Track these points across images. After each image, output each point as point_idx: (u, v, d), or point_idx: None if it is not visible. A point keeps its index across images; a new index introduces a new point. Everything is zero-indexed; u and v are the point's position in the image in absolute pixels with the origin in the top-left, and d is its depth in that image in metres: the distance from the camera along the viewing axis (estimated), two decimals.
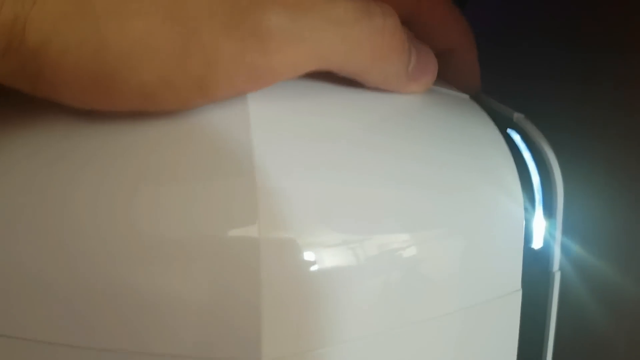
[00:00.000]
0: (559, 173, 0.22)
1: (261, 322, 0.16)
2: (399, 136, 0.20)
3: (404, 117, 0.21)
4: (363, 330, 0.18)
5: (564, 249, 0.22)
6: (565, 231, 0.22)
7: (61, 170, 0.17)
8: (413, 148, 0.19)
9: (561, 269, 0.22)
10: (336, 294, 0.17)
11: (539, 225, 0.22)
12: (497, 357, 0.21)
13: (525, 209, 0.20)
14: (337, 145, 0.18)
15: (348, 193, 0.18)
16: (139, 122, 0.17)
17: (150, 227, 0.16)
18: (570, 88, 0.26)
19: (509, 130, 0.23)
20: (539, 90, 0.28)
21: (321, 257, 0.17)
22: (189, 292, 0.16)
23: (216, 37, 0.16)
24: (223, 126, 0.17)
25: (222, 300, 0.16)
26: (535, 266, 0.22)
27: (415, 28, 0.22)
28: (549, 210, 0.22)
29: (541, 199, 0.22)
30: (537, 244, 0.22)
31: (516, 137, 0.23)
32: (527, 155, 0.22)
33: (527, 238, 0.21)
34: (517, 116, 0.23)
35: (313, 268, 0.17)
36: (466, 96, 0.24)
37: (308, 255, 0.17)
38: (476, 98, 0.24)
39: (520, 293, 0.20)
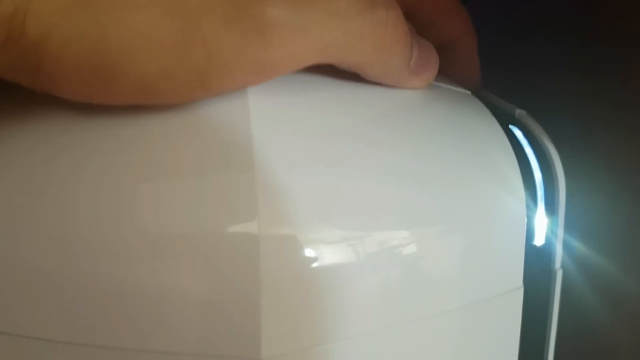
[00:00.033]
0: (561, 170, 0.22)
1: (261, 319, 0.16)
2: (400, 132, 0.20)
3: (405, 112, 0.21)
4: (363, 328, 0.18)
5: (566, 246, 0.22)
6: (568, 228, 0.22)
7: (60, 165, 0.17)
8: (414, 144, 0.19)
9: (563, 266, 0.22)
10: (336, 291, 0.17)
11: (541, 222, 0.22)
12: (499, 355, 0.21)
13: (527, 206, 0.20)
14: (337, 140, 0.18)
15: (349, 189, 0.18)
16: (137, 117, 0.17)
17: (148, 223, 0.16)
18: (572, 83, 0.27)
19: (510, 127, 0.23)
20: (540, 85, 0.28)
21: (321, 253, 0.17)
22: (188, 288, 0.16)
23: (217, 30, 0.16)
24: (223, 121, 0.17)
25: (221, 296, 0.16)
26: (537, 263, 0.22)
27: (417, 20, 0.22)
28: (550, 207, 0.22)
29: (543, 195, 0.22)
30: (539, 241, 0.22)
31: (518, 134, 0.23)
32: (529, 152, 0.22)
33: (529, 235, 0.21)
34: (519, 112, 0.23)
35: (313, 264, 0.17)
36: (468, 92, 0.24)
37: (308, 252, 0.17)
38: (477, 94, 0.24)
39: (522, 291, 0.20)
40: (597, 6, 0.26)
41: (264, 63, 0.17)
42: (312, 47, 0.17)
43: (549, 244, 0.22)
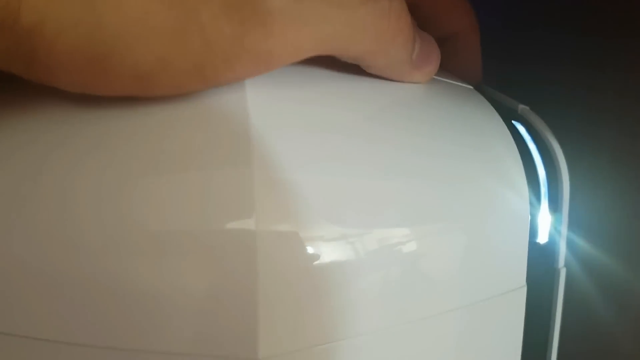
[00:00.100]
0: (565, 166, 0.22)
1: (258, 317, 0.16)
2: (402, 127, 0.19)
3: (406, 107, 0.20)
4: (364, 327, 0.17)
5: (570, 244, 0.22)
6: (571, 225, 0.22)
7: (55, 159, 0.17)
8: (416, 139, 0.19)
9: (567, 265, 0.22)
10: (335, 290, 0.17)
11: (545, 219, 0.22)
12: (502, 354, 0.21)
13: (531, 203, 0.20)
14: (337, 136, 0.18)
15: (348, 185, 0.17)
16: (133, 110, 0.17)
17: (143, 219, 0.16)
18: (576, 75, 0.27)
19: (513, 122, 0.23)
20: (543, 77, 0.28)
21: (320, 251, 0.16)
22: (183, 286, 0.16)
23: (215, 18, 0.16)
24: (220, 115, 0.17)
25: (218, 294, 0.16)
26: (540, 262, 0.21)
27: (419, 12, 0.22)
28: (554, 204, 0.22)
29: (547, 192, 0.22)
30: (542, 238, 0.22)
31: (521, 129, 0.23)
32: (532, 148, 0.22)
33: (532, 233, 0.21)
34: (522, 108, 0.23)
35: (311, 262, 0.16)
36: (470, 87, 0.24)
37: (306, 249, 0.16)
38: (479, 89, 0.24)
39: (525, 289, 0.20)
40: None
41: (263, 53, 0.17)
42: (313, 37, 0.17)
43: (552, 242, 0.22)
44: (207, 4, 0.16)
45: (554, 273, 0.22)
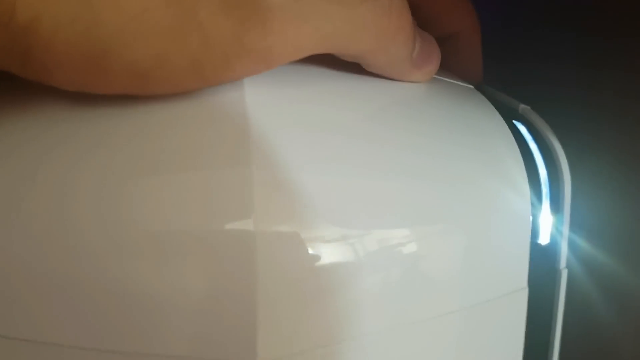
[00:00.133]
0: (566, 166, 0.22)
1: (257, 319, 0.16)
2: (402, 127, 0.19)
3: (407, 107, 0.20)
4: (364, 329, 0.17)
5: (571, 245, 0.22)
6: (573, 226, 0.22)
7: (53, 159, 0.17)
8: (417, 139, 0.19)
9: (568, 266, 0.22)
10: (335, 291, 0.17)
11: (546, 220, 0.22)
12: (504, 355, 0.21)
13: (532, 204, 0.20)
14: (337, 136, 0.18)
15: (348, 185, 0.17)
16: (130, 110, 0.17)
17: (140, 219, 0.16)
18: (577, 75, 0.27)
19: (514, 122, 0.23)
20: (544, 77, 0.28)
21: (319, 252, 0.16)
22: (181, 288, 0.16)
23: (214, 15, 0.16)
24: (218, 114, 0.17)
25: (216, 296, 0.16)
26: (541, 263, 0.21)
27: (420, 11, 0.22)
28: (556, 204, 0.22)
29: (548, 192, 0.22)
30: (543, 239, 0.22)
31: (522, 129, 0.23)
32: (533, 148, 0.22)
33: (534, 234, 0.21)
34: (523, 108, 0.23)
35: (311, 263, 0.16)
36: (470, 86, 0.24)
37: (306, 250, 0.16)
38: (480, 89, 0.24)
39: (526, 291, 0.20)
40: None
41: (262, 51, 0.16)
42: (313, 35, 0.17)
43: (554, 242, 0.22)
44: (206, 1, 0.16)
45: (555, 274, 0.22)
